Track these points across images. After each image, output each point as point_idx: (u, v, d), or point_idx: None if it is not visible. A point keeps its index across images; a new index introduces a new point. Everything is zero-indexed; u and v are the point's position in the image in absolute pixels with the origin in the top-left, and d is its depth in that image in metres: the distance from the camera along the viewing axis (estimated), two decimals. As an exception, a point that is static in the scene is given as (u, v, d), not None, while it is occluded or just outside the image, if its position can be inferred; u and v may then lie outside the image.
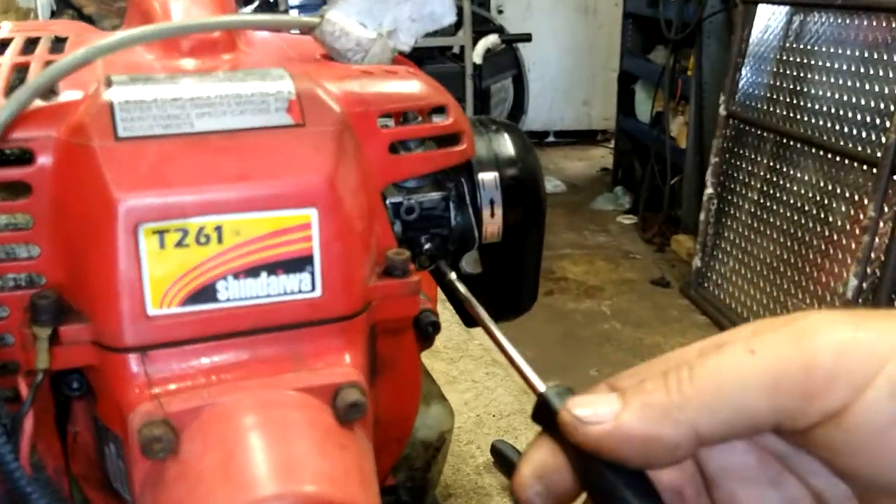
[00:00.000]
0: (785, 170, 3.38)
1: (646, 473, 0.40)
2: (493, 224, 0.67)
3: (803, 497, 0.38)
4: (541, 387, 0.44)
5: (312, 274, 0.53)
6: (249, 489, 0.46)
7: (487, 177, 0.67)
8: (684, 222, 4.21)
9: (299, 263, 0.53)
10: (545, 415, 0.42)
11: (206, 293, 0.52)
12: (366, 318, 0.56)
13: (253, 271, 0.52)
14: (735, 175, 3.66)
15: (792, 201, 3.32)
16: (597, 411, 0.39)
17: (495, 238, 0.68)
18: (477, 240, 0.67)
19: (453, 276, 0.64)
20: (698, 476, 0.41)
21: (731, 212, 3.67)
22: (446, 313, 0.76)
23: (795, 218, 3.29)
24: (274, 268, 0.53)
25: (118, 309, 0.50)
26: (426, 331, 0.63)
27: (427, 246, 0.68)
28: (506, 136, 0.70)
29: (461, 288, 0.62)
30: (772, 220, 3.43)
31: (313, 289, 0.54)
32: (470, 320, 0.74)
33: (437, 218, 0.68)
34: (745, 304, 3.48)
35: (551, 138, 6.30)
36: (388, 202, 0.66)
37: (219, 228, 0.51)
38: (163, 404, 0.49)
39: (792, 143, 3.36)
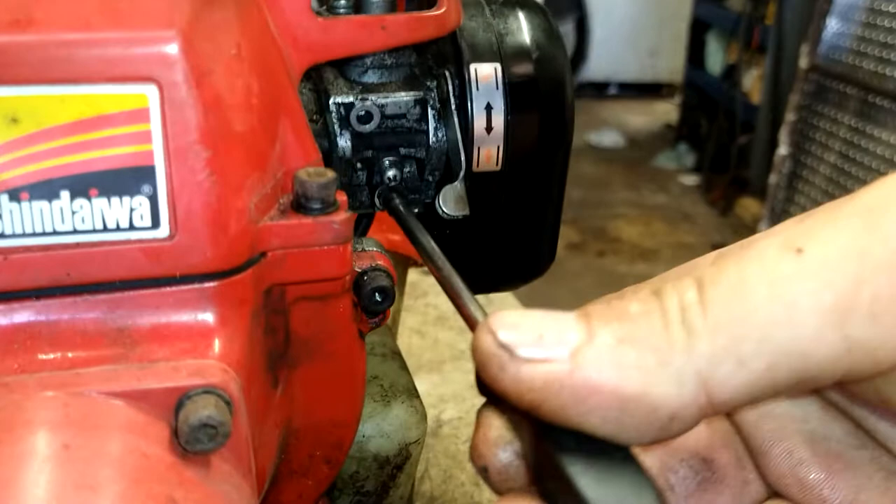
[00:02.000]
0: (869, 130, 3.09)
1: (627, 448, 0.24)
2: (490, 143, 0.45)
3: None
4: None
5: (153, 199, 0.32)
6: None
7: (484, 70, 0.44)
8: (752, 185, 3.90)
9: (130, 179, 0.31)
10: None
11: (-42, 222, 0.30)
12: (253, 276, 0.34)
13: (44, 189, 0.31)
14: (812, 135, 3.36)
15: (874, 165, 3.03)
16: (543, 338, 0.24)
17: (492, 165, 0.45)
18: (462, 164, 0.44)
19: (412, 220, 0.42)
20: (736, 437, 0.29)
21: (806, 175, 3.37)
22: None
23: (877, 185, 3.00)
24: (83, 185, 0.31)
25: None
26: (371, 300, 0.41)
27: (391, 173, 0.46)
28: (518, 12, 0.46)
29: (416, 231, 0.40)
30: (851, 186, 3.13)
31: (155, 224, 0.32)
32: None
33: (408, 131, 0.45)
34: (815, 277, 3.20)
35: (612, 90, 5.94)
36: (332, 102, 0.44)
37: (-22, 110, 0.30)
38: None
39: (879, 100, 3.06)
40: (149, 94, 0.30)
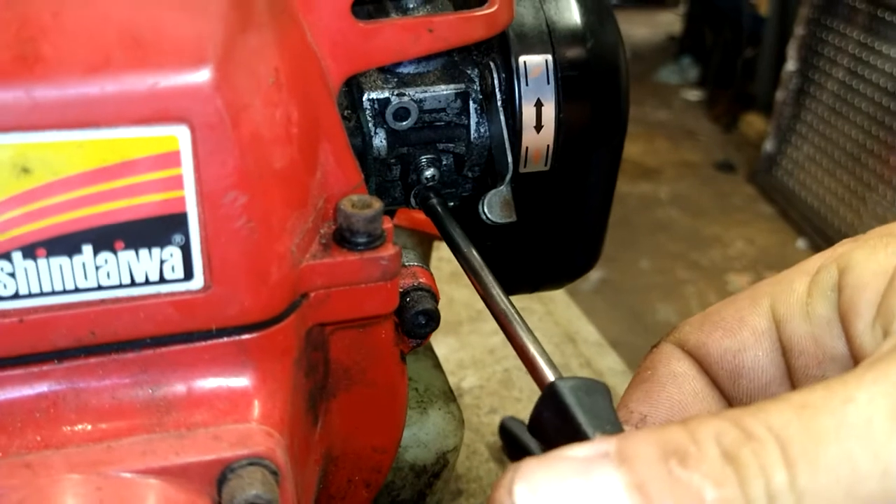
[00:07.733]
0: (877, 46, 3.02)
1: None
2: (539, 141, 0.41)
3: None
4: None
5: (186, 249, 0.28)
6: None
7: (534, 61, 0.40)
8: (758, 100, 3.82)
9: (159, 229, 0.28)
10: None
11: (-33, 285, 0.27)
12: (295, 322, 0.31)
13: (64, 244, 0.27)
14: (821, 50, 3.28)
15: (882, 83, 2.97)
16: None
17: (540, 165, 0.41)
18: (509, 167, 0.41)
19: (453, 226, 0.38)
20: None
21: (813, 91, 3.30)
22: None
23: (884, 103, 2.95)
24: (107, 237, 0.27)
25: None
26: (415, 323, 0.37)
27: (429, 173, 0.42)
28: (569, -7, 0.42)
29: (459, 240, 0.38)
30: (857, 103, 3.08)
31: (188, 276, 0.28)
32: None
33: (447, 126, 0.41)
34: (819, 196, 3.17)
35: (614, 0, 5.79)
36: (365, 98, 0.40)
37: (-16, 161, 0.26)
38: None
39: (888, 16, 2.98)
40: (179, 136, 0.27)
